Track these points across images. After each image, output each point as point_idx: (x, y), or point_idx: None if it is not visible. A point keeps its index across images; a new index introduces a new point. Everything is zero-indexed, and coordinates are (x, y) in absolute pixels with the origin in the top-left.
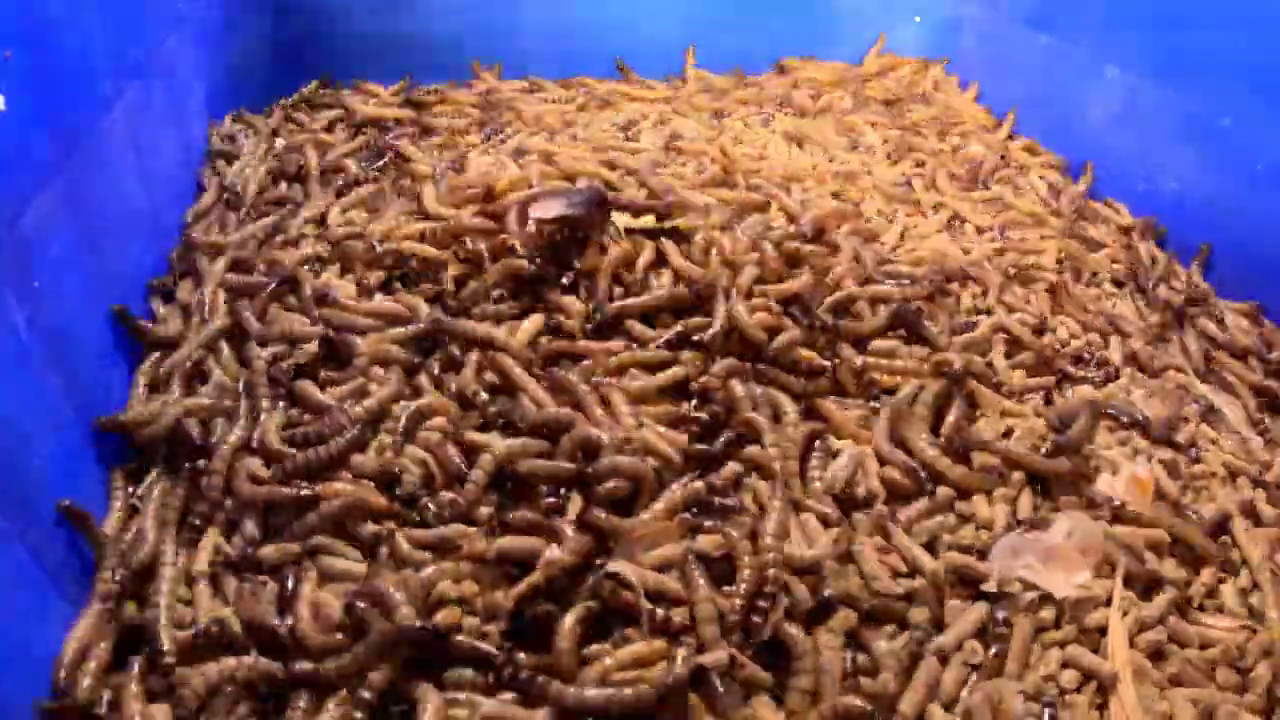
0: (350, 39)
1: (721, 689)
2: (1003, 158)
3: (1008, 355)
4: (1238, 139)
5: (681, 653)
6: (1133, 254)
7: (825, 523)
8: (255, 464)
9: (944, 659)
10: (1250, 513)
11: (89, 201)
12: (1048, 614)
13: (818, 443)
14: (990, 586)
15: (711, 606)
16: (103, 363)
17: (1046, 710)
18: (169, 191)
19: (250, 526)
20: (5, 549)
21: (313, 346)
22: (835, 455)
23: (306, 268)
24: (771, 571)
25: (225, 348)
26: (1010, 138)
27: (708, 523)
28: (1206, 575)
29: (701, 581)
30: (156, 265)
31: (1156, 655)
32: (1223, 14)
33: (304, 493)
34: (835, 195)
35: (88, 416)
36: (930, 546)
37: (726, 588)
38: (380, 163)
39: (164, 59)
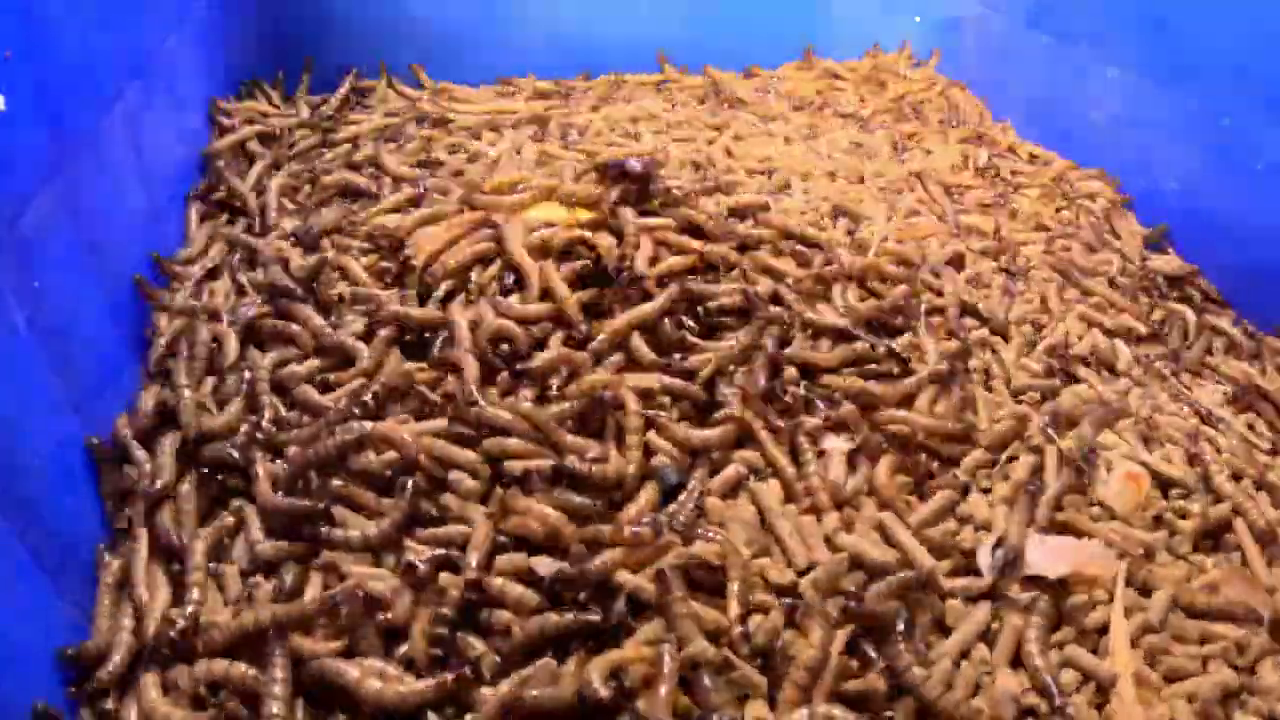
0: (350, 39)
1: (711, 687)
2: (1003, 158)
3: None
4: (1238, 139)
5: (668, 648)
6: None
7: (820, 517)
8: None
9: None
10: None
11: (89, 201)
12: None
13: (807, 438)
14: (985, 585)
15: (693, 623)
16: (103, 363)
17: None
18: (169, 191)
19: (255, 530)
20: (5, 549)
21: (313, 361)
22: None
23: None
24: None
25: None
26: (1013, 142)
27: (699, 530)
28: (1206, 574)
29: (679, 594)
30: (156, 265)
31: (1156, 654)
32: (1223, 14)
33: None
34: (836, 196)
35: (88, 417)
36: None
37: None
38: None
39: (164, 59)
